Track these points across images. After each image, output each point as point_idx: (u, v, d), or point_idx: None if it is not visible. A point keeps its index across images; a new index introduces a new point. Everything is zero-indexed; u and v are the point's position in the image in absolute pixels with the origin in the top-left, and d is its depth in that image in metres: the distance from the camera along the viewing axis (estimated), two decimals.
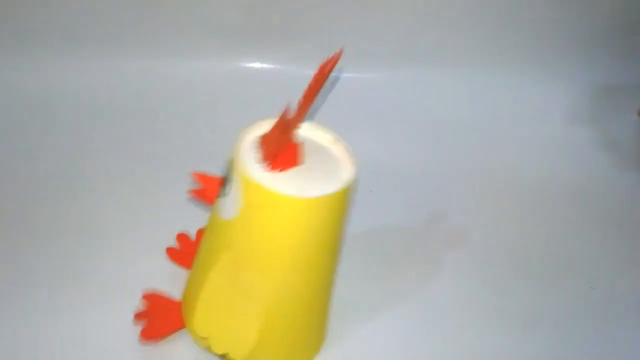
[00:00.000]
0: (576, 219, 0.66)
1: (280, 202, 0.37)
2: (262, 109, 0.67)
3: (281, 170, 0.39)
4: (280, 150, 0.37)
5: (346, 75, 0.79)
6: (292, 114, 0.36)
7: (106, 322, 0.47)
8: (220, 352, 0.44)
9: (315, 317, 0.46)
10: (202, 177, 0.44)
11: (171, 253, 0.52)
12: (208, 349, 0.44)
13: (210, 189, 0.44)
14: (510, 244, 0.62)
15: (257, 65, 0.77)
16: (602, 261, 0.61)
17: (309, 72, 0.77)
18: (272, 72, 0.77)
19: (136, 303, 0.47)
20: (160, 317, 0.47)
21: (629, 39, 0.80)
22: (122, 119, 0.69)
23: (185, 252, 0.51)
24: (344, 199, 0.40)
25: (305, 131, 0.43)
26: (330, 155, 0.42)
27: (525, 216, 0.66)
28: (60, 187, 0.59)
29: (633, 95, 0.81)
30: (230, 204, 0.40)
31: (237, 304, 0.43)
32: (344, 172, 0.40)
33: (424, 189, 0.68)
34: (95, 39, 0.73)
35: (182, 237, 0.53)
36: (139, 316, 0.47)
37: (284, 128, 0.35)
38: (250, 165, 0.38)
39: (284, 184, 0.38)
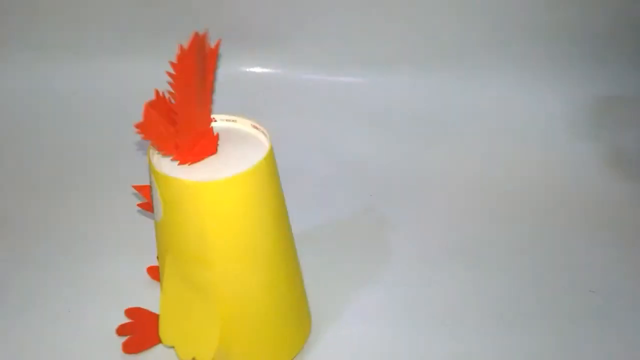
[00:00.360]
0: (577, 225, 0.63)
1: (189, 190, 0.37)
2: (263, 113, 0.69)
3: (193, 162, 0.39)
4: (177, 140, 0.37)
5: (347, 79, 0.78)
6: (169, 100, 0.36)
7: (92, 328, 0.49)
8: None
9: (283, 306, 0.45)
10: (142, 189, 0.45)
11: (152, 272, 0.53)
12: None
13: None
14: (509, 249, 0.59)
15: (257, 69, 0.79)
16: (602, 265, 0.57)
17: (310, 77, 0.80)
18: (273, 77, 0.79)
19: (123, 309, 0.49)
20: (143, 331, 0.48)
21: (634, 49, 0.74)
22: (120, 121, 0.71)
23: None
24: (260, 177, 0.38)
25: (224, 123, 0.43)
26: (248, 140, 0.41)
27: (524, 222, 0.63)
28: (49, 189, 0.63)
29: (636, 107, 0.75)
30: (157, 206, 0.40)
31: (194, 307, 0.42)
32: (258, 153, 0.39)
33: (421, 190, 0.67)
34: (94, 39, 0.77)
35: None
36: (121, 330, 0.48)
37: (164, 115, 0.36)
38: (161, 163, 0.39)
39: (192, 173, 0.38)
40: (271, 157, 0.39)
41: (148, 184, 0.47)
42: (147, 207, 0.46)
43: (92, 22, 0.76)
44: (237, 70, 0.78)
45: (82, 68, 0.77)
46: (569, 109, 0.75)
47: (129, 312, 0.49)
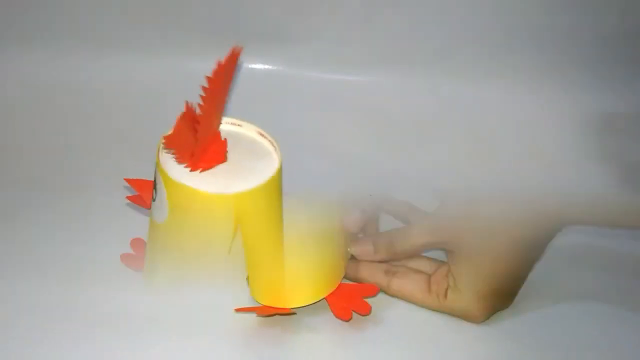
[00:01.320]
0: (580, 232, 0.63)
1: (201, 200, 0.38)
2: (265, 111, 0.68)
3: (204, 169, 0.39)
4: (194, 148, 0.37)
5: (348, 78, 0.77)
6: (195, 111, 0.36)
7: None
8: None
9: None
10: (135, 182, 0.45)
11: (125, 259, 0.52)
12: None
13: (146, 193, 0.44)
14: None
15: (259, 66, 0.77)
16: (601, 266, 0.60)
17: (312, 74, 0.79)
18: (275, 74, 0.77)
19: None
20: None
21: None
22: (119, 119, 0.70)
23: (140, 257, 0.52)
24: (269, 192, 0.40)
25: (230, 126, 0.43)
26: (256, 150, 0.42)
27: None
28: (42, 182, 0.60)
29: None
30: (160, 208, 0.40)
31: None
32: (268, 166, 0.40)
33: (419, 190, 0.66)
34: (94, 37, 0.73)
35: (136, 243, 0.53)
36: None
37: (189, 126, 0.35)
38: (171, 167, 0.39)
39: (204, 183, 0.38)
40: (280, 170, 0.40)
41: (139, 178, 0.46)
42: (137, 200, 0.45)
43: (98, 15, 0.71)
44: (239, 67, 0.75)
45: (80, 66, 0.73)
46: (575, 122, 0.75)
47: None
